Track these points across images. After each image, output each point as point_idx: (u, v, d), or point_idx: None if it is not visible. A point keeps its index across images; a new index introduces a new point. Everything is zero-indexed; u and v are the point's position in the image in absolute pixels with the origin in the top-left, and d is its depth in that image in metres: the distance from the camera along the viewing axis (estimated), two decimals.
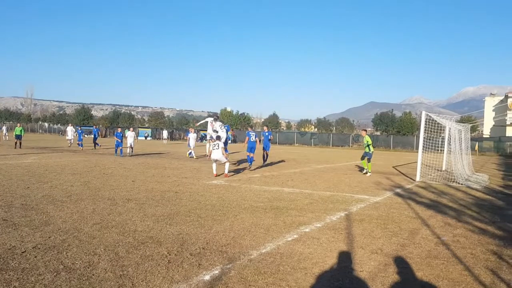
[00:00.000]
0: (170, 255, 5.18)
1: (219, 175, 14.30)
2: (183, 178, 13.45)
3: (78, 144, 28.97)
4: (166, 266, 4.76)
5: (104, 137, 70.15)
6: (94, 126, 33.04)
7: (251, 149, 17.00)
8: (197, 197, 9.71)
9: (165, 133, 51.58)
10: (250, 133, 17.49)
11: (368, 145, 17.61)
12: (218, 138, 15.16)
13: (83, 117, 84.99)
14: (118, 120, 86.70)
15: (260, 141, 18.06)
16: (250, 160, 17.05)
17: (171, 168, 16.70)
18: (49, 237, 5.78)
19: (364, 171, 17.57)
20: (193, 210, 8.09)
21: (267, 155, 19.18)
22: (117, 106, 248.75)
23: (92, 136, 32.45)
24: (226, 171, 14.41)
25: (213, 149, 14.43)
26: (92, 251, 5.21)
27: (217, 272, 4.64)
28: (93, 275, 4.43)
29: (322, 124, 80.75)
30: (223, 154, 14.29)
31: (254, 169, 16.99)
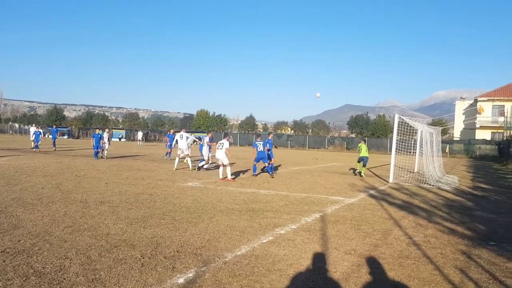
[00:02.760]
0: (143, 258, 5.12)
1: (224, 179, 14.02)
2: (158, 180, 13.30)
3: (35, 146, 26.44)
4: (140, 270, 4.70)
5: (77, 138, 68.73)
6: (54, 126, 31.83)
7: (261, 159, 16.06)
8: (172, 199, 9.62)
9: (140, 135, 50.79)
10: (256, 143, 16.35)
11: (366, 151, 18.50)
12: (226, 135, 15.29)
13: (55, 118, 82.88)
14: (92, 121, 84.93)
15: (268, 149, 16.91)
16: (255, 169, 16.34)
17: (146, 170, 16.50)
18: (18, 241, 5.62)
19: (357, 171, 18.51)
20: (167, 212, 8.01)
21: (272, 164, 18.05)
22: (91, 107, 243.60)
23: (51, 136, 30.90)
24: (228, 176, 14.07)
25: (217, 148, 14.47)
26: (63, 255, 5.10)
27: (191, 275, 4.61)
28: (64, 279, 4.34)
29: (298, 126, 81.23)
30: (226, 154, 14.20)
31: (257, 174, 16.26)
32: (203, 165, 17.32)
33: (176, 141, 18.20)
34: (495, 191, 14.47)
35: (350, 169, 21.62)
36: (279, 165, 22.05)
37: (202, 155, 17.96)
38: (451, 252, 6.00)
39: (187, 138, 17.93)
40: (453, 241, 6.72)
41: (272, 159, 17.56)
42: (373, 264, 5.29)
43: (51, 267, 4.68)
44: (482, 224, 8.24)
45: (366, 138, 23.12)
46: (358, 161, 18.72)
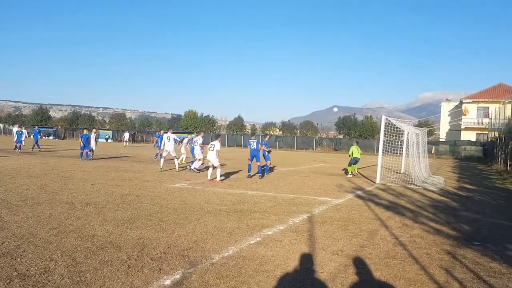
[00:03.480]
0: (130, 260, 5.08)
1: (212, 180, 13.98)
2: (145, 181, 13.21)
3: (17, 146, 25.79)
4: (126, 271, 4.66)
5: (63, 139, 67.92)
6: (36, 127, 31.29)
7: (253, 157, 15.80)
8: (159, 200, 9.56)
9: (126, 135, 50.19)
10: (250, 141, 16.24)
11: (355, 155, 19.09)
12: (218, 136, 15.19)
13: (40, 118, 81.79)
14: (78, 122, 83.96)
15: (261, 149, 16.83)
16: (249, 169, 16.12)
17: (133, 171, 16.37)
18: (2, 243, 5.53)
19: (351, 173, 18.94)
20: (154, 214, 7.96)
21: (265, 165, 17.97)
22: (77, 107, 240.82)
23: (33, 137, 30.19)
24: (217, 177, 13.97)
25: (209, 150, 14.39)
26: (48, 257, 5.04)
27: (178, 276, 4.58)
28: (49, 281, 4.28)
29: (286, 127, 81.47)
30: (217, 156, 14.13)
31: (252, 176, 16.07)
32: (195, 167, 17.25)
33: (164, 142, 17.95)
34: (479, 192, 14.69)
35: (342, 170, 22.06)
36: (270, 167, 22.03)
37: (194, 157, 17.88)
38: (437, 252, 6.07)
39: (174, 140, 17.76)
40: (439, 241, 6.80)
41: (269, 161, 17.62)
42: (360, 264, 5.32)
43: (35, 269, 4.62)
44: (467, 224, 8.35)
45: (358, 141, 23.29)
46: (349, 165, 19.23)
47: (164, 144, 17.71)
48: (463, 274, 5.10)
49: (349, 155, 19.34)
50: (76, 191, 10.40)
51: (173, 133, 18.35)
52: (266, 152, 17.59)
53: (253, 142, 16.07)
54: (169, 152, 17.44)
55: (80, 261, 4.94)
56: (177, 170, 17.09)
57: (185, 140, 24.17)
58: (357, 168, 20.18)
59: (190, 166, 17.68)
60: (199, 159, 17.23)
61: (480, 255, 5.99)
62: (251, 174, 16.07)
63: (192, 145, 17.72)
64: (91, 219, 7.26)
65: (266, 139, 18.86)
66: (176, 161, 17.59)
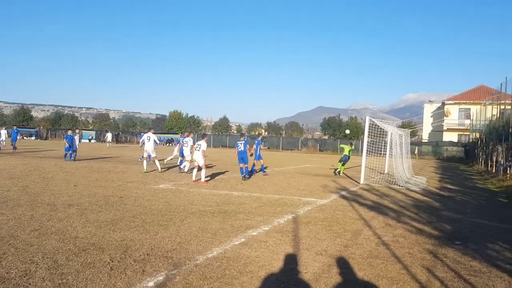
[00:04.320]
0: (112, 262, 5.02)
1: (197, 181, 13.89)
2: (128, 182, 13.08)
3: None
4: (108, 273, 4.61)
5: (45, 139, 66.85)
6: (15, 127, 30.62)
7: (241, 159, 15.68)
8: (143, 202, 9.48)
9: (109, 136, 49.44)
10: (238, 143, 16.13)
11: (348, 152, 19.59)
12: (204, 136, 15.07)
13: (22, 118, 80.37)
14: (60, 122, 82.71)
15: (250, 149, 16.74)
16: (242, 172, 15.77)
17: (116, 172, 16.19)
18: None
19: (337, 171, 19.58)
20: (138, 215, 7.89)
21: (253, 166, 18.11)
22: (60, 107, 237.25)
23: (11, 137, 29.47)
24: (202, 178, 13.82)
25: (195, 150, 14.33)
26: (29, 259, 4.96)
27: (161, 278, 4.55)
28: (30, 284, 4.22)
29: (272, 127, 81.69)
30: (203, 156, 14.03)
31: (249, 177, 15.92)
32: (184, 166, 17.13)
33: (143, 142, 17.43)
34: (461, 192, 14.95)
35: (331, 168, 22.67)
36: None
37: (181, 157, 17.72)
38: (419, 252, 6.15)
39: (154, 140, 17.38)
40: (421, 240, 6.89)
41: (261, 160, 17.70)
42: (343, 264, 5.36)
43: (16, 272, 4.54)
44: (448, 224, 8.49)
45: (352, 143, 23.53)
46: (340, 161, 19.84)
47: (143, 144, 17.23)
48: (444, 273, 5.18)
49: (340, 150, 19.94)
50: (58, 193, 10.25)
51: (154, 133, 18.00)
52: (258, 151, 17.66)
53: (241, 144, 15.93)
54: (149, 152, 17.02)
55: (61, 263, 4.87)
56: (160, 171, 16.92)
57: (190, 141, 23.99)
58: (343, 169, 20.49)
59: (180, 167, 17.59)
60: (188, 160, 17.04)
61: (461, 254, 6.09)
62: (248, 176, 15.89)
63: (182, 145, 17.45)
64: (74, 220, 7.16)
65: (259, 138, 18.87)
66: (157, 162, 17.24)
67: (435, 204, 11.40)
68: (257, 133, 70.31)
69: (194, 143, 17.21)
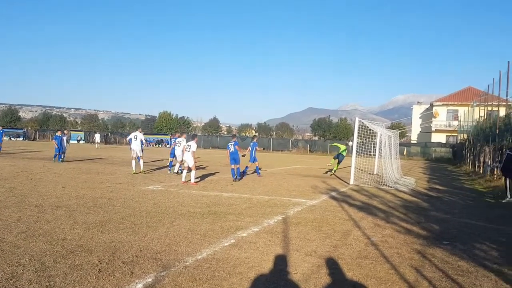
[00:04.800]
0: (101, 263, 4.98)
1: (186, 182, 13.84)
2: (117, 183, 12.99)
3: None
4: (97, 276, 4.57)
5: (33, 140, 66.09)
6: (0, 128, 30.11)
7: (233, 160, 15.58)
8: (132, 203, 9.42)
9: (97, 137, 48.93)
10: (229, 144, 16.04)
11: (343, 151, 19.95)
12: (195, 136, 14.98)
13: (10, 119, 79.29)
14: (49, 123, 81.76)
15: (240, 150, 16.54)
16: (234, 173, 15.55)
17: (105, 174, 16.06)
18: None
19: (332, 171, 20.09)
20: (127, 217, 7.83)
21: (246, 167, 18.05)
22: (48, 108, 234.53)
23: None
24: (192, 179, 13.73)
25: (185, 150, 14.26)
26: (16, 262, 4.89)
27: (150, 280, 4.52)
28: (17, 287, 4.17)
29: (262, 128, 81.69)
30: (193, 157, 13.95)
31: (240, 179, 15.76)
32: (174, 167, 17.11)
33: (130, 140, 17.15)
34: (449, 192, 15.11)
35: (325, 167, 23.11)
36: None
37: (173, 158, 17.63)
38: (407, 252, 6.20)
39: (141, 140, 17.15)
40: (409, 240, 6.95)
41: (256, 162, 17.70)
42: (333, 264, 5.38)
43: (2, 274, 4.48)
44: (436, 224, 8.57)
45: (348, 143, 23.71)
46: (335, 158, 20.32)
47: (131, 143, 16.95)
48: (432, 273, 5.23)
49: (333, 149, 20.18)
50: (46, 194, 10.14)
51: (141, 132, 17.74)
52: (254, 154, 17.68)
53: (231, 145, 15.87)
54: (136, 152, 16.74)
55: (49, 266, 4.82)
56: (141, 170, 16.68)
57: (183, 142, 23.84)
58: (334, 170, 20.62)
59: (169, 167, 17.51)
60: (179, 161, 16.89)
61: (449, 254, 6.15)
62: (240, 178, 15.72)
63: (174, 146, 17.25)
64: (61, 222, 7.09)
65: (255, 140, 18.86)
66: (141, 161, 16.97)
67: (423, 205, 11.50)
68: (252, 135, 70.37)
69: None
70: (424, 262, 5.69)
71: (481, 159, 24.19)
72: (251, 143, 18.34)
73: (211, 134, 72.45)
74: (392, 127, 52.16)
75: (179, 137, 17.56)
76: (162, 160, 25.48)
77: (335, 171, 20.23)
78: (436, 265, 5.56)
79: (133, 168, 16.45)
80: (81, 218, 7.49)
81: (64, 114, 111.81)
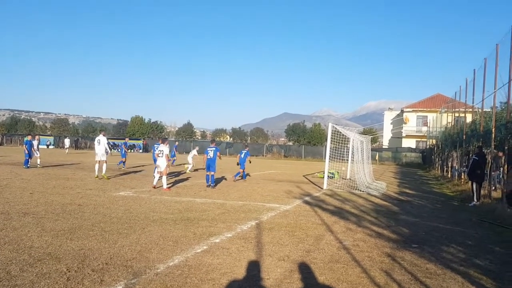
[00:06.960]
0: (69, 272, 4.86)
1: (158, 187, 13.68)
2: (88, 189, 12.70)
3: None
4: (65, 284, 4.46)
5: (0, 145, 63.85)
6: None
7: (208, 167, 15.11)
8: (102, 209, 9.23)
9: (67, 142, 47.41)
10: (207, 150, 15.60)
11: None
12: (165, 140, 14.86)
13: None
14: (17, 127, 79.24)
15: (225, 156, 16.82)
16: (208, 180, 15.12)
17: (75, 179, 15.68)
18: None
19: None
20: (97, 223, 7.67)
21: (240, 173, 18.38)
22: (16, 112, 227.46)
23: None
24: (164, 185, 13.47)
25: (158, 156, 14.07)
26: None
27: (120, 287, 4.44)
28: None
29: (237, 133, 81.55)
30: (166, 162, 13.79)
31: (214, 186, 15.20)
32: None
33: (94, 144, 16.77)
34: (418, 196, 15.48)
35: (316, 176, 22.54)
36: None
37: (154, 163, 17.37)
38: (378, 255, 6.31)
39: (104, 144, 16.78)
40: (380, 244, 7.07)
41: (243, 168, 18.01)
42: (305, 269, 5.42)
43: None
44: (406, 228, 8.76)
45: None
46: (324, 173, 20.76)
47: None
48: (401, 276, 5.34)
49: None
50: (13, 201, 9.82)
51: (105, 136, 17.32)
52: (245, 161, 18.17)
53: (211, 151, 15.46)
54: (99, 156, 16.36)
55: (15, 275, 4.66)
56: (104, 175, 16.21)
57: (194, 151, 23.76)
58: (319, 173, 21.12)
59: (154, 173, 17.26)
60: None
61: (418, 257, 6.30)
62: (212, 184, 15.09)
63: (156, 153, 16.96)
64: (29, 229, 6.88)
65: (247, 150, 19.00)
66: (104, 166, 16.42)
67: (394, 208, 11.74)
68: (244, 143, 69.98)
69: (170, 151, 16.83)
70: (394, 265, 5.81)
71: (449, 164, 24.91)
72: (244, 151, 18.71)
73: (185, 139, 71.82)
74: (364, 132, 53.03)
75: (162, 143, 17.40)
76: (144, 166, 25.09)
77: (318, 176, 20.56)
78: (405, 268, 5.68)
79: (96, 172, 16.12)
80: (50, 225, 7.29)
81: (33, 118, 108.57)
